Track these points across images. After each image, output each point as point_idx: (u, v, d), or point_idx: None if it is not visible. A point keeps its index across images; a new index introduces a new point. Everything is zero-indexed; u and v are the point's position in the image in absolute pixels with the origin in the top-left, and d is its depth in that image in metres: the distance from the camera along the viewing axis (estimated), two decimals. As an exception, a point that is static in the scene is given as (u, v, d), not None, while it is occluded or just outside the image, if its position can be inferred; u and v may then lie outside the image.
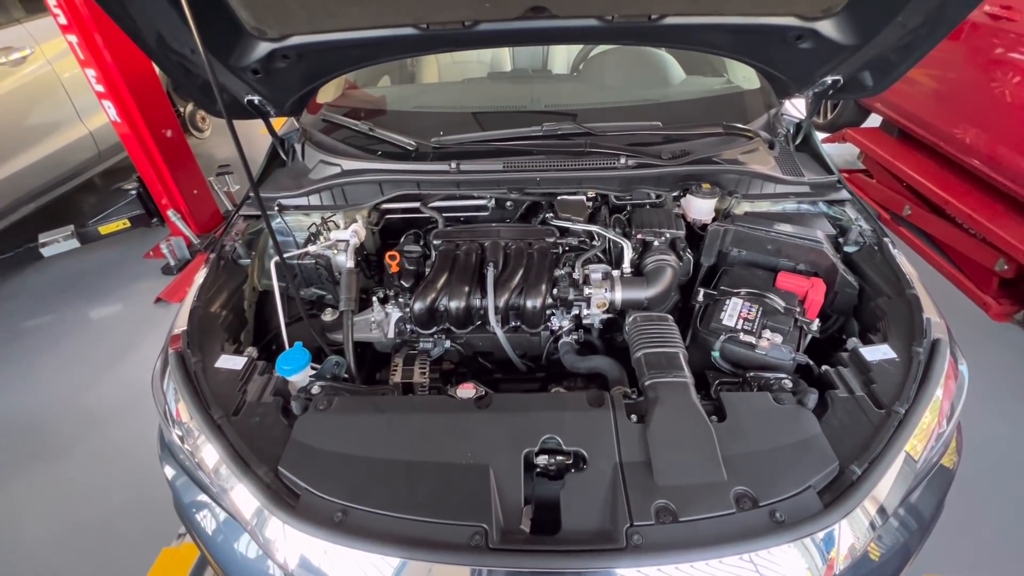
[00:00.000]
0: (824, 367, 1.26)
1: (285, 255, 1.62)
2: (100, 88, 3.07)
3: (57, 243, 3.45)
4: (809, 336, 1.35)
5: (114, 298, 3.49)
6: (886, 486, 1.02)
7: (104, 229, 3.56)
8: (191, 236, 3.60)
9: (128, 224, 3.60)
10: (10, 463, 2.42)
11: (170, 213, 3.52)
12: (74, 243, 3.47)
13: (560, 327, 1.51)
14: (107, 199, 3.65)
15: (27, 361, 3.01)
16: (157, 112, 3.31)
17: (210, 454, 1.12)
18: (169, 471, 1.30)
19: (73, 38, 2.90)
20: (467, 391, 1.23)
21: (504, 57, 2.58)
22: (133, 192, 3.55)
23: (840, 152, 4.46)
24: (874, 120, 4.39)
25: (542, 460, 1.07)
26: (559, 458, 1.07)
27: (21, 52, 3.52)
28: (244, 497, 1.06)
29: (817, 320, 1.36)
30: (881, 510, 1.02)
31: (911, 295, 1.31)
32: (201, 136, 5.28)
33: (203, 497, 1.20)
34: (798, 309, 1.38)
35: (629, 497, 0.98)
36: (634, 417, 1.11)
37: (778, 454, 1.04)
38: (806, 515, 0.94)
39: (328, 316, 1.56)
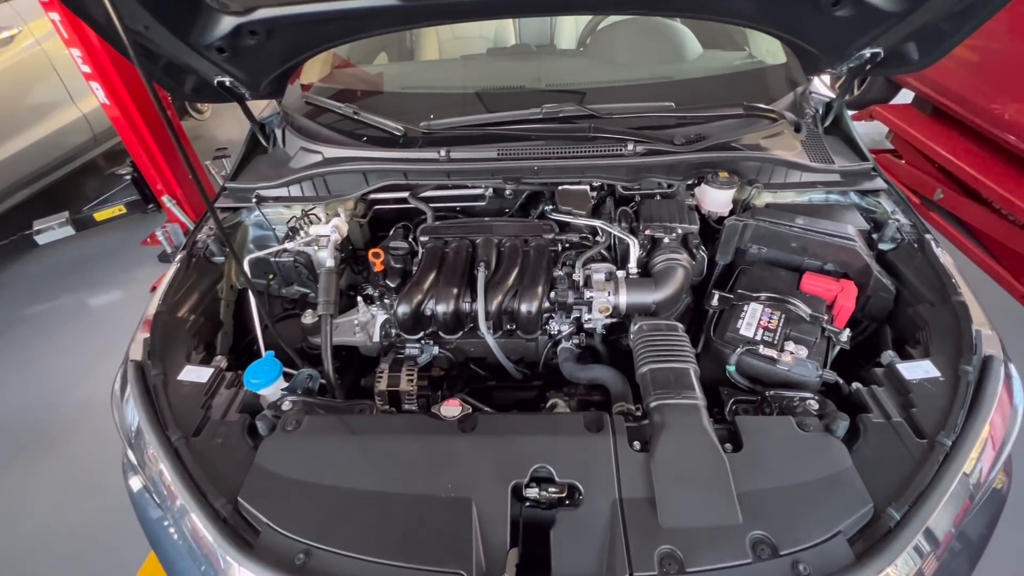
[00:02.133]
0: (855, 385, 1.11)
1: (263, 252, 1.52)
2: (87, 69, 2.94)
3: (52, 230, 3.37)
4: (837, 348, 1.20)
5: (113, 285, 3.44)
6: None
7: (99, 216, 3.48)
8: (187, 222, 3.50)
9: (124, 210, 3.51)
10: (4, 457, 2.39)
11: (165, 199, 3.42)
12: (69, 230, 3.39)
13: (559, 331, 1.38)
14: (102, 185, 3.56)
15: (26, 350, 2.99)
16: (148, 93, 3.18)
17: (167, 476, 1.02)
18: (134, 483, 1.21)
19: (55, 16, 2.76)
20: (452, 408, 1.11)
21: (508, 31, 2.39)
22: (127, 177, 3.44)
23: (867, 131, 4.20)
24: (905, 96, 4.11)
25: (532, 492, 0.95)
26: (551, 490, 0.95)
27: (9, 31, 3.40)
28: (201, 528, 0.96)
29: (847, 330, 1.21)
30: (928, 533, 0.89)
31: (958, 302, 1.15)
32: (200, 118, 5.15)
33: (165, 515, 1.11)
34: (826, 317, 1.23)
35: (629, 541, 0.86)
36: (637, 444, 0.99)
37: (802, 492, 0.91)
38: (835, 568, 0.82)
39: (308, 318, 1.44)
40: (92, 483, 2.22)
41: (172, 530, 1.06)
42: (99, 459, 2.29)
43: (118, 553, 1.97)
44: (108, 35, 1.22)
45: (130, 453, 1.14)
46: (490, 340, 1.32)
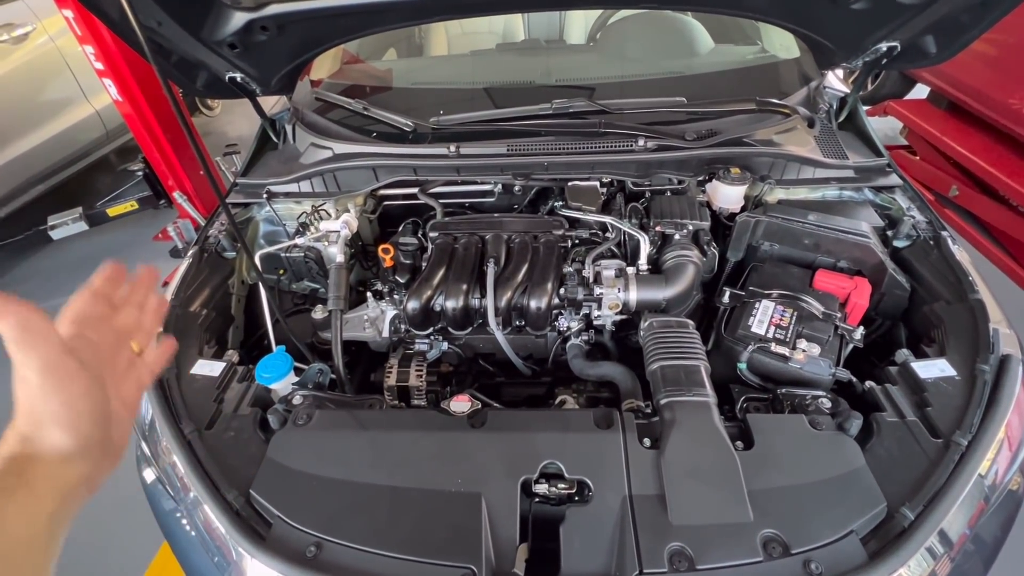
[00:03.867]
0: (868, 383, 1.10)
1: (273, 247, 1.53)
2: (99, 65, 2.97)
3: (66, 225, 3.42)
4: (851, 346, 1.19)
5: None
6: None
7: (112, 211, 3.52)
8: (198, 218, 3.52)
9: (136, 206, 3.55)
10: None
11: (176, 195, 3.44)
12: (83, 226, 3.44)
13: (568, 328, 1.37)
14: (115, 181, 3.60)
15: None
16: (160, 90, 3.19)
17: (181, 468, 1.04)
18: (148, 475, 1.23)
19: (69, 13, 2.78)
20: (461, 404, 1.11)
21: (517, 26, 2.38)
22: (139, 173, 3.48)
23: (881, 127, 4.11)
24: (920, 91, 4.05)
25: (541, 488, 0.95)
26: (561, 486, 0.95)
27: (24, 28, 3.44)
28: (213, 519, 0.97)
29: (861, 328, 1.19)
30: (942, 534, 0.88)
31: (975, 300, 1.13)
32: (211, 114, 5.18)
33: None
34: (839, 315, 1.21)
35: (639, 538, 0.86)
36: (647, 441, 0.98)
37: (814, 490, 0.90)
38: (847, 568, 0.81)
39: (319, 313, 1.45)
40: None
41: (185, 521, 1.07)
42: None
43: (132, 543, 2.00)
44: (122, 32, 1.22)
45: (144, 445, 1.16)
46: (499, 336, 1.32)
